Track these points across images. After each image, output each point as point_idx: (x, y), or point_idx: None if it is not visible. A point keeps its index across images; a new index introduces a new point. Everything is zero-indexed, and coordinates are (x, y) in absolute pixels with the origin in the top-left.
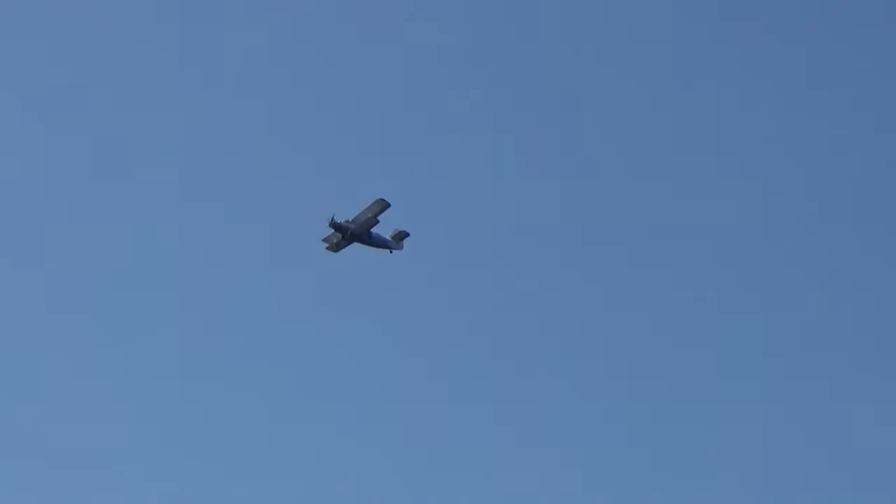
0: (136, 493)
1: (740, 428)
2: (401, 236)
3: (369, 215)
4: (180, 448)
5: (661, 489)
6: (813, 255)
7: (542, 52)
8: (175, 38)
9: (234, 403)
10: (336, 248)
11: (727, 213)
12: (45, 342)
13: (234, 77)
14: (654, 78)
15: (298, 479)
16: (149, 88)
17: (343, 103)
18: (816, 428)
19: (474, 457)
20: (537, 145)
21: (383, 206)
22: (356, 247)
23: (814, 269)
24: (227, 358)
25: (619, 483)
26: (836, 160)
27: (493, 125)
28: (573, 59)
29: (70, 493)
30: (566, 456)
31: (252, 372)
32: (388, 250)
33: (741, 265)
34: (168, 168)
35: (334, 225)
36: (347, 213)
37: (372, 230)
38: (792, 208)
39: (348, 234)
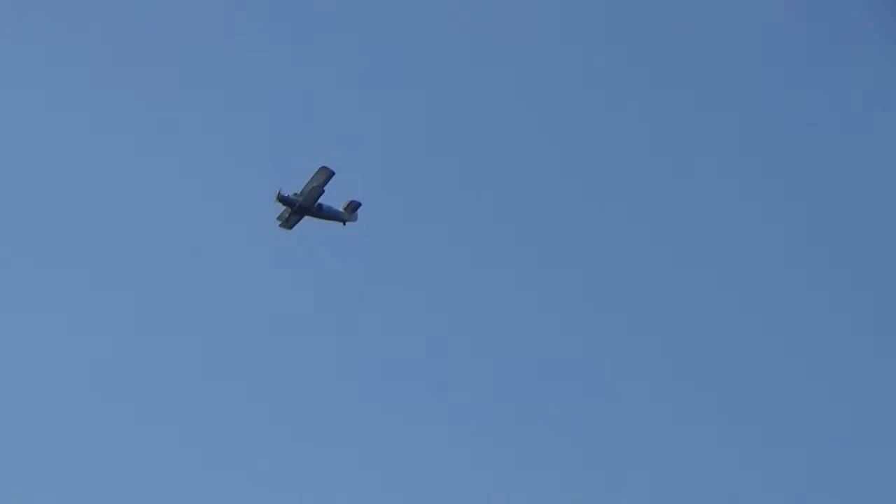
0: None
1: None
2: (353, 207)
3: (314, 185)
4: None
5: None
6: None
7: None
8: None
9: (212, 394)
10: (288, 223)
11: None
12: None
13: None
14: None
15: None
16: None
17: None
18: None
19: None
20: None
21: (328, 174)
22: (308, 221)
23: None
24: (196, 347)
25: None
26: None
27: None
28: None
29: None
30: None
31: (222, 362)
32: (340, 223)
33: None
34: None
35: (281, 199)
36: (296, 188)
37: (322, 202)
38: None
39: (297, 207)
